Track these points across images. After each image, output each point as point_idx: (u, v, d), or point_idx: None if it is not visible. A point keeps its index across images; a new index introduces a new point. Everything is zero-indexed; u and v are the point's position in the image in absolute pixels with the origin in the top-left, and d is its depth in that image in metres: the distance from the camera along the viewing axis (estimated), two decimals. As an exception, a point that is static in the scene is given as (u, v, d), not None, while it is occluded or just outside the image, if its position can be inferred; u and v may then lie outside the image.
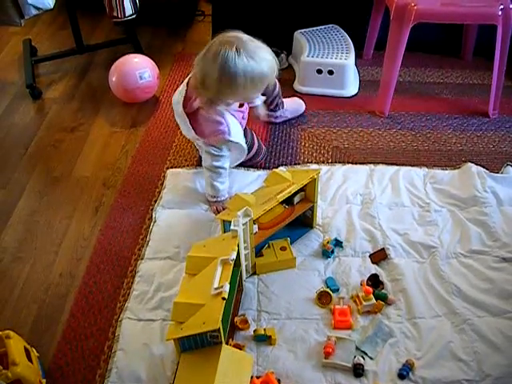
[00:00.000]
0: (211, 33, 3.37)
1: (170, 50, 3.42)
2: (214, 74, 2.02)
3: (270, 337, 1.81)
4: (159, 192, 2.39)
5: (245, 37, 2.07)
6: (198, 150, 2.48)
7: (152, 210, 2.31)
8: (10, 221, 2.32)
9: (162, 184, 2.43)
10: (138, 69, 2.84)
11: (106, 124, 2.86)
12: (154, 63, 2.95)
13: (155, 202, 2.35)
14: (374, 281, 1.99)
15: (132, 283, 2.03)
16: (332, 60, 2.92)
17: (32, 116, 2.93)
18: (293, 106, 2.75)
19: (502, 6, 2.51)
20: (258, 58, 2.03)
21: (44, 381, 1.71)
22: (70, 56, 3.26)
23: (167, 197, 2.35)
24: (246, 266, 1.99)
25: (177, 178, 2.45)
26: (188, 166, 2.53)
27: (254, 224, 1.95)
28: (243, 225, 1.85)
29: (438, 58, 3.29)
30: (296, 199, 2.13)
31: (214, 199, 2.28)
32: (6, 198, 2.43)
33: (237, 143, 2.24)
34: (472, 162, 2.45)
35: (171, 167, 2.52)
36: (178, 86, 3.00)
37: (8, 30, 3.58)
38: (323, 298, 1.93)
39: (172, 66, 3.25)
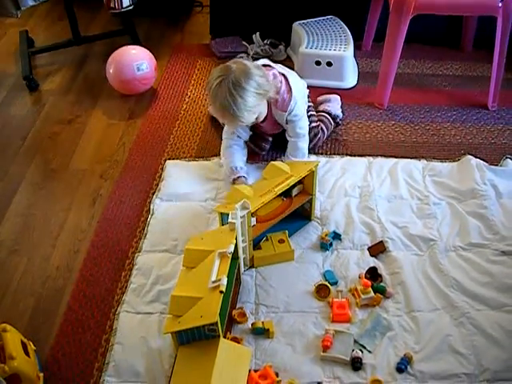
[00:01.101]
0: (209, 24, 3.36)
1: (167, 42, 3.40)
2: None
3: (267, 330, 1.81)
4: (157, 184, 2.38)
5: (247, 72, 2.10)
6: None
7: (150, 202, 2.30)
8: (7, 213, 2.31)
9: (159, 176, 2.42)
10: (136, 60, 2.83)
11: (104, 116, 2.84)
12: (151, 55, 2.93)
13: (153, 194, 2.34)
14: (373, 274, 1.98)
15: (129, 276, 2.02)
16: (331, 51, 2.91)
17: (29, 108, 2.92)
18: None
19: (502, -2, 2.50)
20: (227, 93, 2.07)
21: (41, 374, 1.70)
22: (67, 47, 3.24)
23: (165, 189, 2.34)
24: (243, 258, 1.98)
25: (176, 170, 2.44)
26: (186, 157, 2.52)
27: (252, 217, 1.94)
28: (241, 217, 1.84)
29: (438, 49, 3.27)
30: (294, 192, 2.12)
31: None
32: (3, 191, 2.42)
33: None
34: (471, 155, 2.44)
35: (169, 159, 2.51)
36: (175, 78, 3.02)
37: (4, 21, 3.55)
38: (321, 291, 1.93)
39: (170, 58, 3.23)
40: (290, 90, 2.28)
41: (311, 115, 2.50)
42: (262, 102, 2.18)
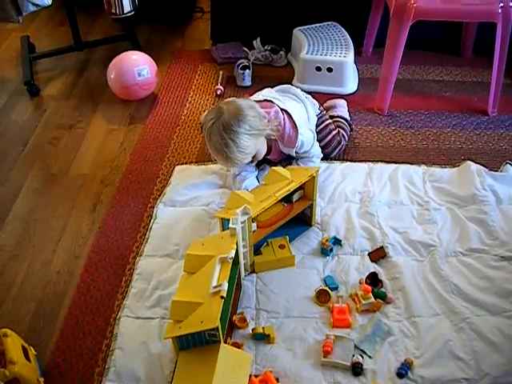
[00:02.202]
0: (210, 30, 3.37)
1: (168, 47, 3.41)
2: None
3: (268, 335, 1.80)
4: (158, 189, 2.39)
5: (238, 114, 2.09)
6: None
7: (151, 207, 2.31)
8: (8, 218, 2.31)
9: (160, 181, 2.43)
10: (137, 66, 2.83)
11: (104, 121, 2.85)
12: (152, 60, 2.94)
13: (154, 199, 2.34)
14: (373, 279, 1.98)
15: (130, 281, 2.02)
16: (331, 57, 2.91)
17: (30, 113, 2.92)
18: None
19: (501, 4, 2.50)
20: (218, 137, 2.08)
21: (42, 379, 1.70)
22: (69, 53, 3.25)
23: (170, 194, 2.34)
24: (244, 264, 1.98)
25: (183, 175, 2.44)
26: (187, 162, 2.52)
27: (253, 222, 1.94)
28: (242, 223, 1.84)
29: (438, 55, 3.28)
30: (295, 197, 2.13)
31: None
32: (4, 196, 2.42)
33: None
34: (471, 160, 2.45)
35: (177, 164, 2.52)
36: (176, 83, 3.03)
37: (6, 26, 3.56)
38: (322, 297, 1.93)
39: (170, 63, 3.24)
40: (294, 126, 2.27)
41: (328, 124, 2.50)
42: (256, 142, 2.15)
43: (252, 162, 2.26)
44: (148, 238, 2.17)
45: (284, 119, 2.26)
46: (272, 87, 2.47)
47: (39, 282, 2.07)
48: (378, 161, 2.51)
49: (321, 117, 2.50)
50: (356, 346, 1.78)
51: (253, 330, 1.83)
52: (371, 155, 2.57)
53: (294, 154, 2.38)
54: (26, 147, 2.69)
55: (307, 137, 2.32)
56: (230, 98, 2.22)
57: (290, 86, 2.52)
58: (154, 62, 2.95)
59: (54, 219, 2.31)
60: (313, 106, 2.49)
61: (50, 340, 1.87)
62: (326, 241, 2.09)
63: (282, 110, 2.28)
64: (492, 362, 1.73)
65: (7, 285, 2.06)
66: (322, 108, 2.56)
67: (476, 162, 2.43)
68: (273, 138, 2.24)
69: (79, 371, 1.77)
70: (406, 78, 3.11)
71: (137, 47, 3.18)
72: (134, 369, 1.74)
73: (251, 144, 2.11)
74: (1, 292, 2.03)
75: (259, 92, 2.41)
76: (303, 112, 2.38)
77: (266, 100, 2.31)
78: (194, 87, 3.04)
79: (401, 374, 1.70)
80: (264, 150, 2.28)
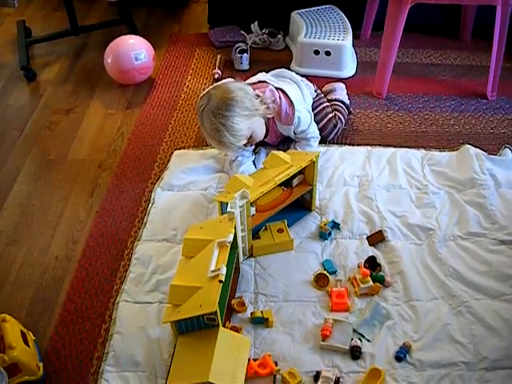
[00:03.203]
0: (207, 13, 3.35)
1: (165, 31, 3.39)
2: None
3: (267, 319, 1.81)
4: (156, 174, 2.38)
5: (226, 97, 2.08)
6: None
7: (149, 192, 2.30)
8: (5, 204, 2.31)
9: (158, 166, 2.42)
10: (134, 50, 2.82)
11: (102, 106, 2.83)
12: (149, 44, 2.92)
13: (151, 183, 2.34)
14: (372, 263, 1.98)
15: (128, 266, 2.02)
16: (329, 41, 2.90)
17: (27, 98, 2.91)
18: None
19: (501, -13, 2.49)
20: (209, 122, 2.08)
21: (41, 364, 1.70)
22: (65, 37, 3.23)
23: (167, 178, 2.33)
24: (243, 248, 1.98)
25: (182, 159, 2.43)
26: (185, 146, 2.52)
27: (252, 206, 1.94)
28: (240, 207, 1.84)
29: (437, 39, 3.27)
30: (295, 182, 2.12)
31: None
32: (1, 182, 2.41)
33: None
34: (470, 144, 2.44)
35: (175, 148, 2.51)
36: (173, 68, 3.01)
37: (1, 11, 3.55)
38: (320, 281, 1.93)
39: (168, 47, 3.22)
40: (291, 103, 2.26)
41: (325, 107, 2.49)
42: (250, 123, 2.13)
43: (250, 144, 2.25)
44: (146, 223, 2.16)
45: (280, 97, 2.25)
46: (267, 72, 2.46)
47: (37, 268, 2.06)
48: (376, 145, 2.50)
49: (318, 100, 2.48)
50: (354, 330, 1.78)
51: (251, 313, 1.83)
52: (370, 139, 2.56)
53: (292, 135, 2.36)
54: (23, 132, 2.68)
55: (304, 115, 2.31)
56: (220, 82, 2.22)
57: (284, 69, 2.50)
58: (152, 46, 2.94)
59: (52, 204, 2.30)
60: (308, 88, 2.48)
61: (48, 325, 1.87)
62: (325, 225, 2.09)
63: (276, 88, 2.27)
64: (490, 346, 1.73)
65: (5, 270, 2.06)
66: (318, 91, 2.54)
67: (475, 146, 2.43)
68: (269, 116, 2.23)
69: (78, 356, 1.77)
70: (404, 61, 3.10)
71: (134, 31, 3.16)
72: (133, 353, 1.74)
73: (243, 126, 2.09)
74: (-1, 277, 2.04)
75: (253, 76, 2.40)
76: (298, 92, 2.37)
77: (260, 81, 2.31)
78: (191, 71, 3.02)
79: (399, 358, 1.70)
80: (262, 132, 2.27)
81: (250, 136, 2.19)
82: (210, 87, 2.17)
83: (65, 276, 2.03)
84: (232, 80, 2.30)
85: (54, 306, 1.93)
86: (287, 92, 2.28)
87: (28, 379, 1.64)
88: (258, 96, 2.16)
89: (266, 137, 2.34)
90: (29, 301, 1.95)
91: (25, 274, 2.04)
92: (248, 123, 2.12)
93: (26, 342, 1.68)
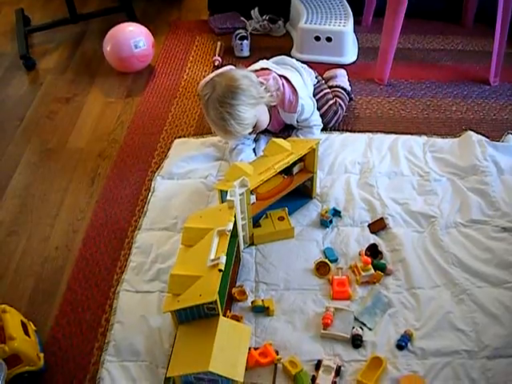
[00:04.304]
0: (207, 0, 3.32)
1: (165, 18, 3.37)
2: None
3: (268, 308, 1.80)
4: (156, 162, 2.37)
5: (232, 85, 2.05)
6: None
7: (148, 180, 2.29)
8: (5, 194, 2.30)
9: (158, 154, 2.41)
10: (133, 37, 2.80)
11: (101, 94, 2.82)
12: (148, 32, 2.90)
13: (151, 172, 2.33)
14: (373, 251, 1.97)
15: (129, 255, 2.02)
16: (330, 27, 2.88)
17: (26, 87, 2.90)
18: None
19: (504, -30, 2.46)
20: (215, 111, 2.06)
21: (41, 354, 1.70)
22: (64, 25, 3.22)
23: (168, 167, 2.32)
24: (243, 236, 1.97)
25: (182, 148, 2.42)
26: (185, 135, 2.50)
27: (252, 194, 1.93)
28: (240, 195, 1.83)
29: (439, 24, 3.24)
30: (295, 169, 2.11)
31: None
32: (1, 171, 2.41)
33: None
34: (472, 131, 2.42)
35: (175, 136, 2.50)
36: (173, 55, 2.99)
37: (-1, -1, 3.53)
38: (321, 269, 1.92)
39: (167, 35, 3.20)
40: (294, 90, 2.24)
41: (326, 93, 2.47)
42: (255, 111, 2.11)
43: (254, 132, 2.24)
44: (146, 212, 2.15)
45: (283, 84, 2.23)
46: (268, 59, 2.44)
47: (38, 258, 2.06)
48: (377, 131, 2.49)
49: (318, 86, 2.47)
50: (356, 318, 1.78)
51: (252, 302, 1.82)
52: (371, 125, 2.54)
53: (295, 123, 2.35)
54: (23, 122, 2.67)
55: (307, 102, 2.30)
56: (224, 68, 2.20)
57: (284, 56, 2.48)
58: (151, 33, 2.92)
59: (52, 194, 2.30)
60: (309, 75, 2.46)
61: (49, 315, 1.87)
62: (326, 212, 2.08)
63: (280, 76, 2.26)
64: (492, 334, 1.72)
65: (6, 261, 2.05)
66: (319, 78, 2.53)
67: (477, 132, 2.41)
68: (273, 104, 2.22)
69: (79, 346, 1.77)
70: (406, 47, 3.07)
71: (133, 19, 3.14)
72: (133, 343, 1.74)
73: (249, 114, 2.08)
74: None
75: (254, 64, 2.38)
76: (300, 79, 2.36)
77: (262, 69, 2.29)
78: (191, 58, 3.00)
79: (401, 346, 1.69)
80: (266, 119, 2.26)
81: (255, 124, 2.17)
82: (213, 74, 2.15)
83: (65, 266, 2.02)
84: (233, 67, 2.28)
85: (55, 295, 1.93)
86: (290, 79, 2.26)
87: (29, 369, 1.64)
88: (261, 83, 2.14)
89: (268, 125, 2.32)
90: (29, 291, 1.95)
91: (25, 265, 2.04)
92: (254, 111, 2.10)
93: (26, 333, 1.68)
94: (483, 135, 2.39)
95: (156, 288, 1.89)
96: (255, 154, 2.33)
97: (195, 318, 1.63)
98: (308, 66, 2.53)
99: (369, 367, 1.64)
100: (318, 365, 1.66)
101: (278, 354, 1.68)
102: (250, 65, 2.41)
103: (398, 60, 2.84)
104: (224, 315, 1.66)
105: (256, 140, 2.40)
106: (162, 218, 2.12)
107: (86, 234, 2.11)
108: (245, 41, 2.97)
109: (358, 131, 2.49)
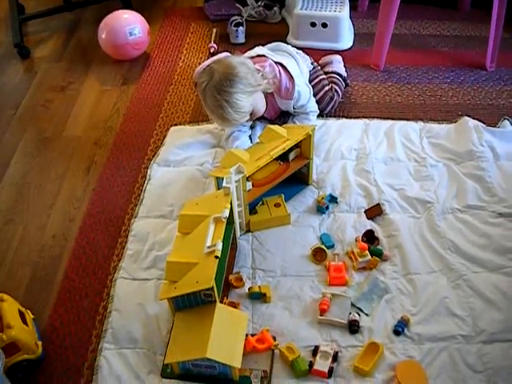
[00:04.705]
0: (202, -13, 3.31)
1: (160, 5, 3.36)
2: None
3: (264, 294, 1.80)
4: (152, 150, 2.37)
5: (229, 72, 2.03)
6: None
7: (145, 168, 2.29)
8: (1, 183, 2.30)
9: (154, 142, 2.40)
10: (128, 25, 2.79)
11: (97, 82, 2.81)
12: (143, 19, 2.89)
13: (148, 159, 2.32)
14: (370, 237, 1.97)
15: (126, 243, 2.02)
16: (326, 13, 2.86)
17: (21, 76, 2.89)
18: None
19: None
20: (212, 99, 2.04)
21: (40, 343, 1.70)
22: (59, 13, 3.20)
23: (164, 154, 2.32)
24: (239, 223, 1.97)
25: (178, 135, 2.42)
26: (181, 122, 2.50)
27: (248, 181, 1.93)
28: (236, 182, 1.82)
29: (435, 9, 3.22)
30: (291, 156, 2.10)
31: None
32: (-3, 160, 2.41)
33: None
34: (469, 116, 2.42)
35: (171, 124, 2.50)
36: (168, 42, 2.98)
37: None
38: (318, 255, 1.92)
39: (162, 22, 3.19)
40: (291, 77, 2.23)
41: (322, 79, 2.46)
42: (252, 99, 2.10)
43: (251, 120, 2.23)
44: (142, 199, 2.15)
45: (279, 71, 2.23)
46: (263, 45, 2.43)
47: (35, 246, 2.06)
48: (374, 117, 2.48)
49: (314, 72, 2.46)
50: (353, 304, 1.78)
51: (249, 289, 1.83)
52: (367, 111, 2.54)
53: (292, 109, 2.34)
54: (18, 110, 2.66)
55: (304, 89, 2.29)
56: (221, 55, 2.19)
57: (280, 43, 2.46)
58: (146, 20, 2.91)
59: (49, 182, 2.29)
60: (304, 61, 2.45)
61: (47, 303, 1.87)
62: (322, 198, 2.08)
63: (276, 63, 2.25)
64: (488, 319, 1.73)
65: (3, 249, 2.05)
66: (315, 64, 2.52)
67: (474, 118, 2.40)
68: (269, 91, 2.21)
69: (77, 334, 1.78)
70: (402, 32, 3.06)
71: (128, 6, 3.12)
72: (131, 330, 1.75)
73: (247, 102, 2.07)
74: (-4, 256, 2.04)
75: (250, 50, 2.37)
76: (296, 66, 2.34)
77: (258, 55, 2.28)
78: (186, 46, 2.99)
79: (397, 332, 1.70)
80: (263, 106, 2.25)
81: (252, 112, 2.17)
82: (209, 61, 2.14)
83: (62, 254, 2.02)
84: (230, 54, 2.27)
85: (52, 284, 1.93)
86: (287, 66, 2.25)
87: (27, 358, 1.65)
88: (258, 70, 2.13)
89: (264, 112, 2.31)
90: (27, 280, 1.95)
91: (22, 253, 2.04)
92: (251, 99, 2.09)
93: (24, 321, 1.68)
94: (479, 121, 2.39)
95: (153, 275, 1.90)
96: (251, 141, 2.33)
97: (192, 305, 1.63)
98: (304, 52, 2.52)
99: (366, 353, 1.65)
100: (315, 351, 1.66)
101: (275, 340, 1.68)
102: (245, 51, 2.39)
103: (394, 46, 2.83)
104: (221, 302, 1.66)
105: (252, 127, 2.39)
106: (158, 206, 2.12)
107: (83, 222, 2.11)
108: (240, 27, 2.96)
109: (355, 117, 2.49)
